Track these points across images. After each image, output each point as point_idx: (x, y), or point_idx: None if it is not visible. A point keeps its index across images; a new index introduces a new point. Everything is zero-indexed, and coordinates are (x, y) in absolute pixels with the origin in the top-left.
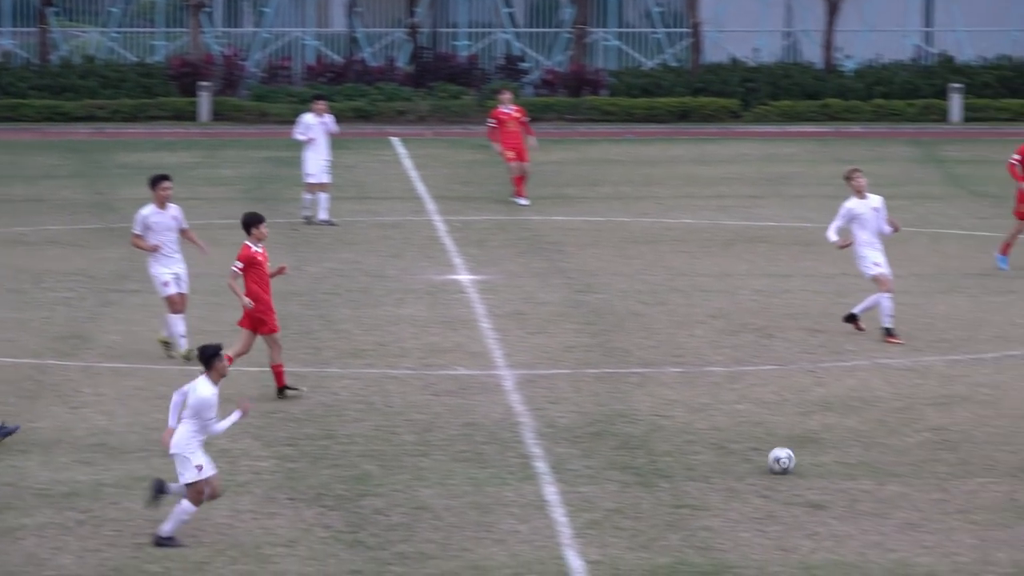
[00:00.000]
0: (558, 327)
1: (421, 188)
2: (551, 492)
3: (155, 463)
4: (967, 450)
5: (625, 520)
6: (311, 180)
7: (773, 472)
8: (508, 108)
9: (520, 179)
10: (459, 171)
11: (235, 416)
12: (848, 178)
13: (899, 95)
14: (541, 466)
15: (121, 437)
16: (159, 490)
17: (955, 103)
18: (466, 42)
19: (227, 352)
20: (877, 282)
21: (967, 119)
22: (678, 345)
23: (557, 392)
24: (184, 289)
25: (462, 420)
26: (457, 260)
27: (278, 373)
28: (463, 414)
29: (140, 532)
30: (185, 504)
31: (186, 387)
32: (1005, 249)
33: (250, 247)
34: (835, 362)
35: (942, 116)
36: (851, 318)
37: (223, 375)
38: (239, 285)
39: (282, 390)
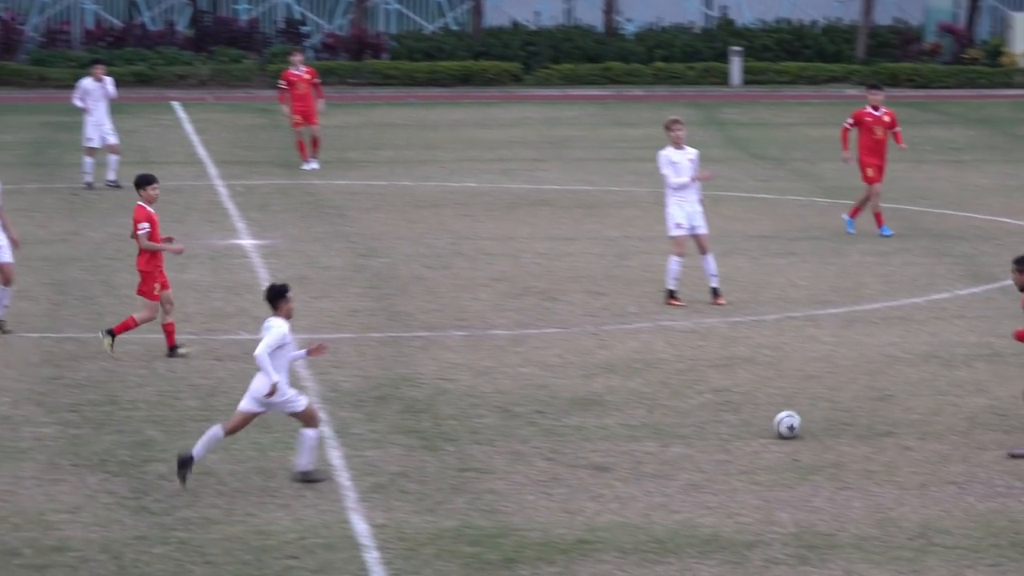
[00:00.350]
0: (342, 291)
1: (202, 152)
2: (335, 456)
3: None
4: (749, 411)
5: (410, 484)
6: (91, 144)
7: (783, 438)
8: (299, 70)
9: (304, 144)
10: (241, 135)
11: (303, 352)
12: (668, 128)
13: (680, 58)
14: (325, 431)
15: None
16: (185, 463)
17: (735, 66)
18: (246, 6)
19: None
20: (674, 244)
21: (747, 82)
22: (462, 309)
23: (341, 356)
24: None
25: (246, 385)
26: (240, 225)
27: (169, 332)
28: (247, 379)
29: None
30: (310, 432)
31: (271, 340)
32: (854, 212)
33: (144, 207)
34: (618, 325)
35: (722, 79)
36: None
37: (290, 315)
38: (149, 245)
39: (173, 349)
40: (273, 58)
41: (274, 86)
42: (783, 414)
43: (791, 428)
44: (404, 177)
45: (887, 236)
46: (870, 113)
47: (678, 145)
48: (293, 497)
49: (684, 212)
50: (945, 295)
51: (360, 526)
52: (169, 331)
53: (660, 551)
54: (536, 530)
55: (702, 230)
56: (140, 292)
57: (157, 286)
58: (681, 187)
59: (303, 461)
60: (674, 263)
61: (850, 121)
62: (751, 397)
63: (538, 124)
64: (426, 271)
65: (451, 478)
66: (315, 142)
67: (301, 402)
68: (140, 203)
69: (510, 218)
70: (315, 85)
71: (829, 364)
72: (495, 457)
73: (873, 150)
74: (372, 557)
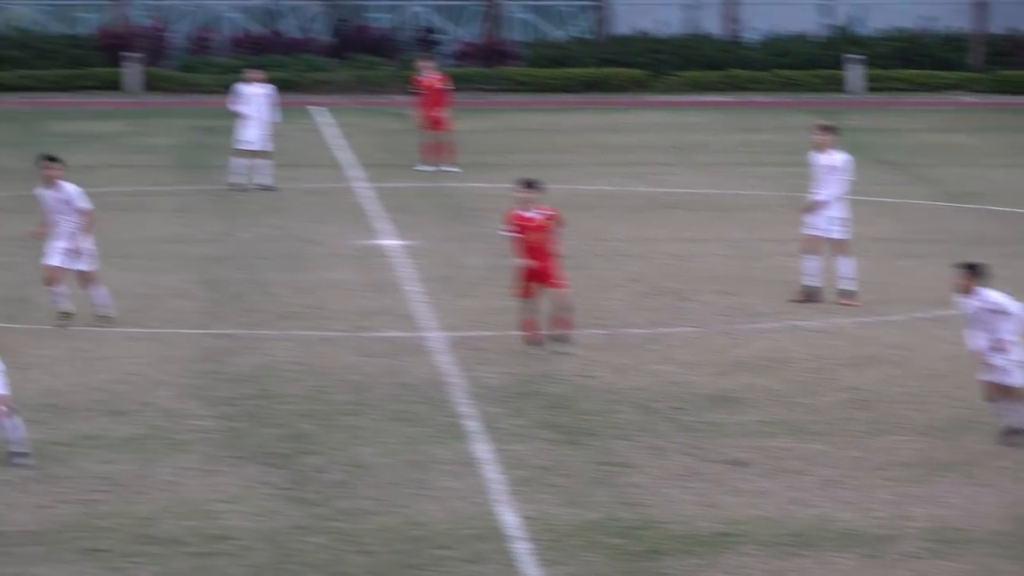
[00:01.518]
0: (483, 290)
1: (344, 156)
2: (483, 450)
3: (103, 422)
4: (881, 409)
5: (555, 477)
6: (246, 147)
7: None
8: (429, 76)
9: (434, 147)
10: (379, 139)
11: None
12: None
13: (801, 66)
14: (472, 425)
15: (69, 397)
16: None
17: (855, 73)
18: (383, 15)
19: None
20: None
21: (867, 89)
22: (599, 308)
23: (484, 353)
24: (78, 266)
25: (394, 381)
26: (382, 225)
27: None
28: (395, 375)
29: (90, 489)
30: None
31: None
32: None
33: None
34: (750, 324)
35: (841, 86)
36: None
37: None
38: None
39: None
40: (408, 64)
41: (409, 91)
42: None
43: None
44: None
45: None
46: None
47: (820, 149)
48: (444, 489)
49: (836, 213)
50: None
51: (509, 518)
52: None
53: (798, 544)
54: (678, 523)
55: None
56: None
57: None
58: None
59: None
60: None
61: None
62: (882, 395)
63: (665, 129)
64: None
65: (594, 472)
66: (441, 146)
67: None
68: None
69: (642, 220)
70: (444, 91)
71: (956, 363)
72: (636, 452)
73: None
74: (521, 548)
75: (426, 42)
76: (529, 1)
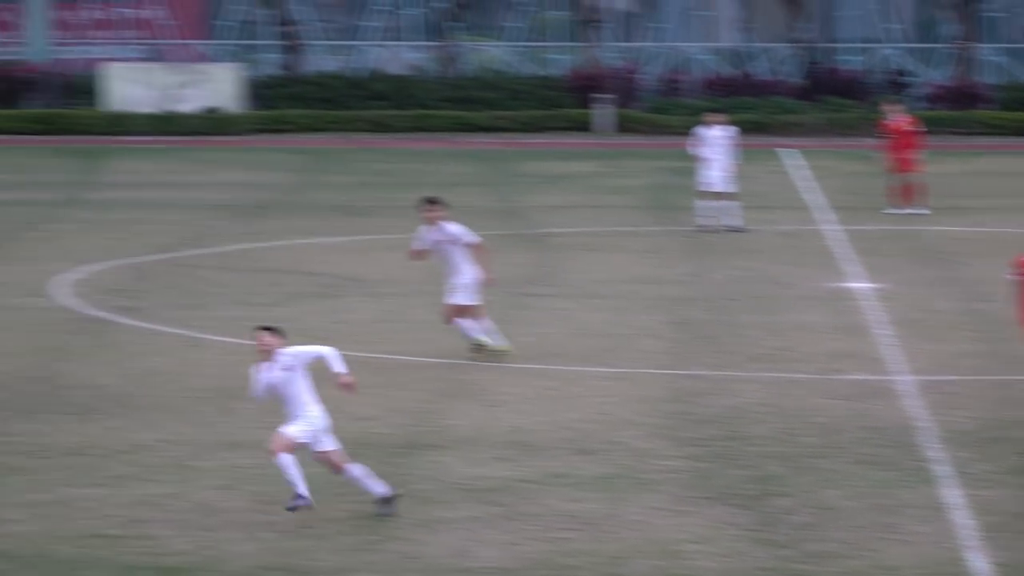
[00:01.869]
0: (954, 334)
1: (813, 198)
2: (953, 495)
3: (572, 460)
4: None
5: None
6: (708, 188)
7: None
8: (897, 119)
9: (902, 189)
10: (848, 182)
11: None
12: None
13: None
14: (941, 469)
15: (537, 435)
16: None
17: None
18: (854, 56)
19: None
20: None
21: None
22: None
23: (955, 398)
24: (458, 300)
25: (862, 424)
26: (852, 268)
27: None
28: (862, 418)
29: (558, 527)
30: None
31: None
32: None
33: None
34: None
35: None
36: None
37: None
38: None
39: None
40: (877, 107)
41: (877, 135)
42: None
43: None
44: (1012, 224)
45: None
46: None
47: None
48: (913, 533)
49: None
50: None
51: (980, 564)
52: None
53: None
54: None
55: None
56: None
57: None
58: None
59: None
60: None
61: None
62: None
63: None
64: None
65: None
66: (910, 189)
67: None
68: None
69: None
70: (913, 134)
71: None
72: None
73: None
74: None
75: (896, 84)
76: (1003, 44)
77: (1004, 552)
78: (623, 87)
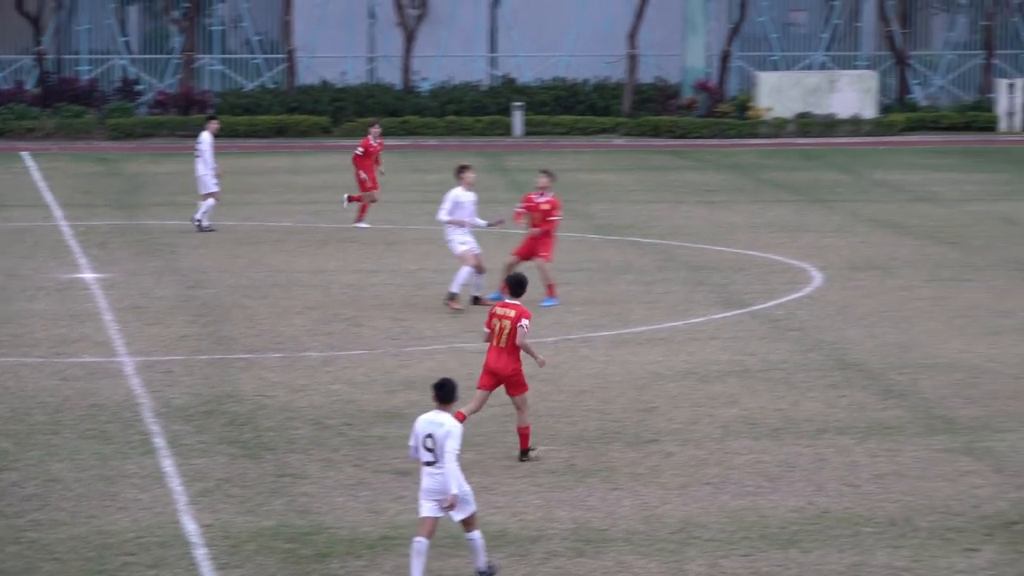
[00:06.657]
0: (173, 319)
1: (49, 196)
2: (168, 465)
3: None
4: (533, 422)
5: (234, 488)
6: None
7: None
8: (376, 140)
9: (366, 206)
10: (81, 181)
11: None
12: (460, 172)
13: (469, 112)
14: (159, 441)
15: None
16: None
17: (517, 119)
18: (87, 67)
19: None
20: (461, 259)
21: (527, 133)
22: (278, 333)
23: (172, 376)
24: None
25: (88, 402)
26: (82, 260)
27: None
28: (89, 397)
29: None
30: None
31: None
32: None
33: None
34: (416, 346)
35: (506, 131)
36: (475, 300)
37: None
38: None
39: (524, 452)
40: (111, 113)
41: (110, 137)
42: None
43: None
44: (228, 217)
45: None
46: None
47: (469, 188)
48: (131, 501)
49: (464, 236)
50: (701, 319)
51: (190, 526)
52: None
53: (453, 545)
54: (345, 528)
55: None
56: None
57: None
58: (460, 224)
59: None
60: (463, 272)
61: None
62: (534, 410)
63: (345, 171)
64: (247, 300)
65: (270, 483)
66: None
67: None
68: None
69: (321, 253)
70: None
71: (601, 380)
72: (309, 464)
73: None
74: (201, 553)
75: (128, 92)
76: (223, 55)
77: (211, 514)
78: None
